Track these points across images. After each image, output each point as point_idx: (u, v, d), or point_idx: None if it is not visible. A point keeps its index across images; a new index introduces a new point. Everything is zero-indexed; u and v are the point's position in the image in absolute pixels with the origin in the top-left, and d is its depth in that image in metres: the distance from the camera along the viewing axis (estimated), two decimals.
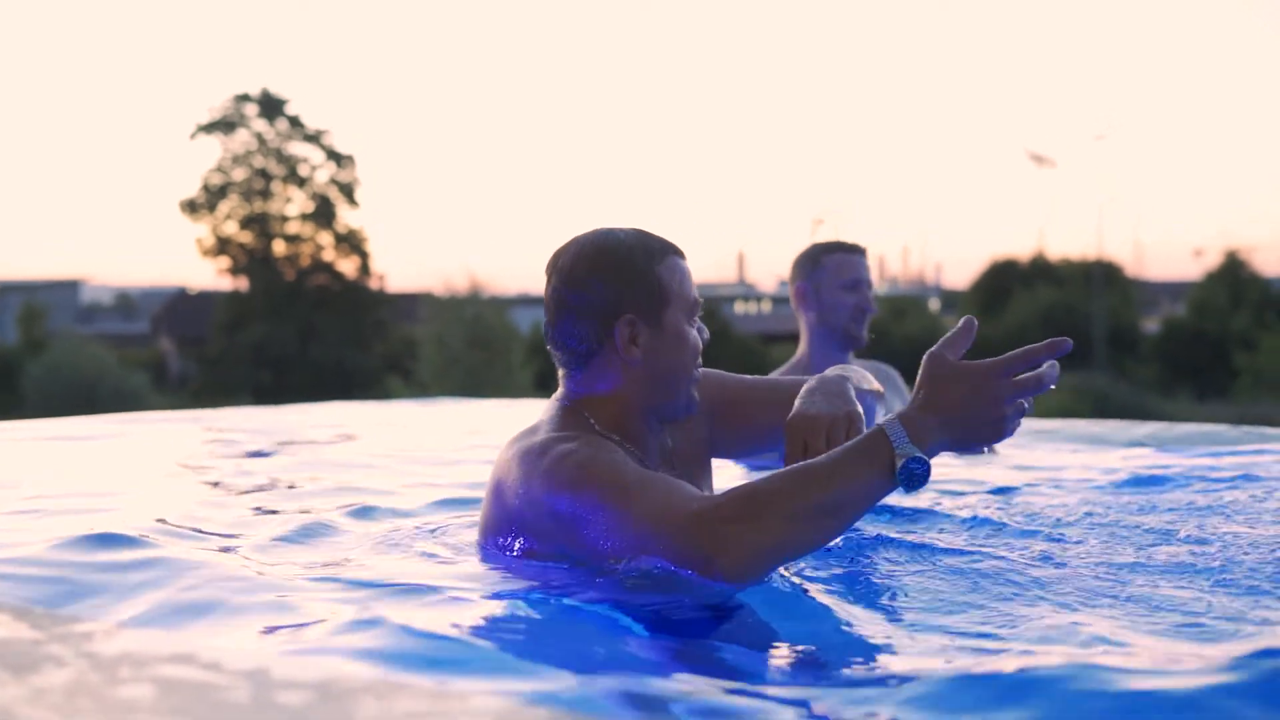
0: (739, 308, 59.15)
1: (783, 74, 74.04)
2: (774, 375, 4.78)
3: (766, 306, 60.14)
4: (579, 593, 2.42)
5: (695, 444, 2.95)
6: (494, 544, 2.69)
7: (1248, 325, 32.30)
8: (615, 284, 2.68)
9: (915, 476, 2.28)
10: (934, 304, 44.85)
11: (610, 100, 70.66)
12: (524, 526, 2.59)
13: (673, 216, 68.67)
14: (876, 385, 2.93)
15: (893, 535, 3.12)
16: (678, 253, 2.76)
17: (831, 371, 2.85)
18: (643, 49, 72.54)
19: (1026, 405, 2.34)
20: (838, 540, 2.71)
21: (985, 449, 2.38)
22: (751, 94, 73.97)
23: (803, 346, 5.01)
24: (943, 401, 2.31)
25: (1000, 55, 72.09)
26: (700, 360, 2.78)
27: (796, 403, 2.74)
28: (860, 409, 2.73)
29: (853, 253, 4.95)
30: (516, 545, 2.63)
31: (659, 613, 2.34)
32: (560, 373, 2.79)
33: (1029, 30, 70.47)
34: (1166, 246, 62.64)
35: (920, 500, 3.70)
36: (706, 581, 2.34)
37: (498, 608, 2.38)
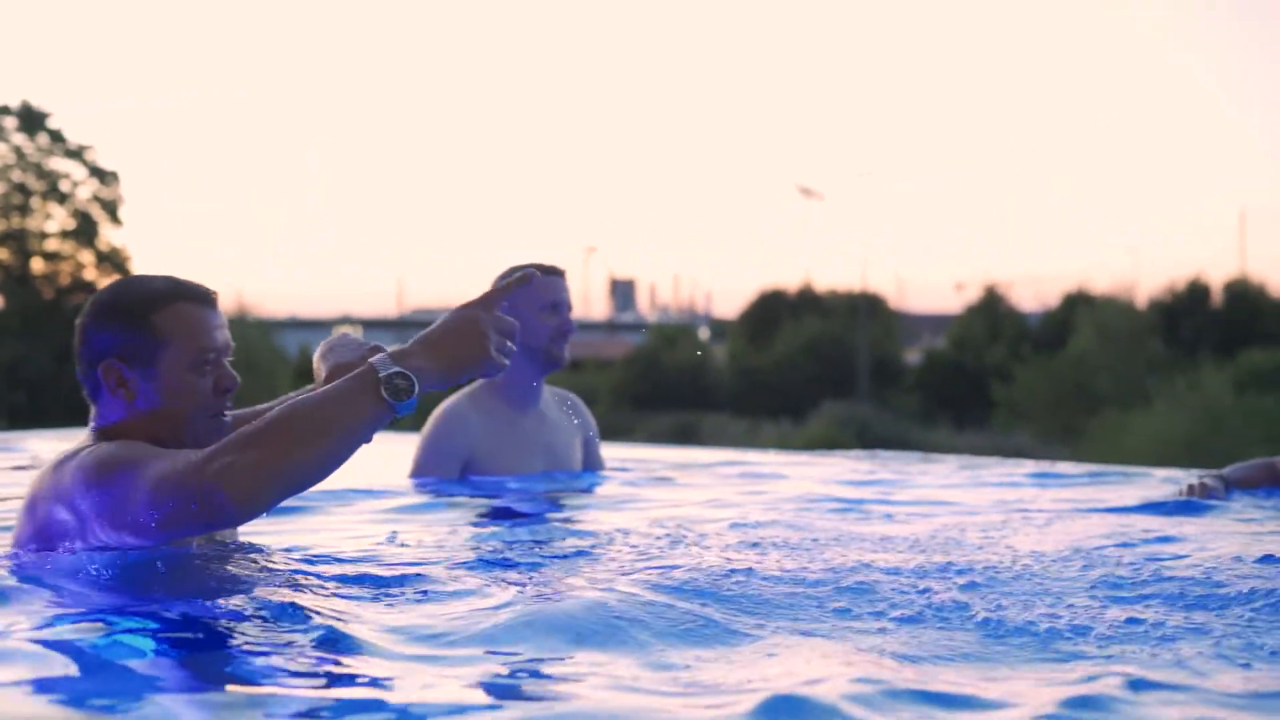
0: None
1: (551, 102, 74.54)
2: (464, 394, 4.83)
3: None
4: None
5: None
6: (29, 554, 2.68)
7: (1004, 358, 33.27)
8: (104, 332, 2.77)
9: (399, 390, 2.46)
10: (704, 333, 45.36)
11: (382, 123, 70.32)
12: (59, 530, 2.61)
13: (441, 245, 68.46)
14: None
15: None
16: (195, 299, 2.81)
17: (331, 339, 2.94)
18: (413, 73, 72.42)
19: (509, 344, 2.59)
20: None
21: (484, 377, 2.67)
22: (520, 121, 74.33)
23: None
24: (430, 334, 2.55)
25: (772, 89, 73.61)
26: (229, 401, 2.85)
27: (319, 365, 2.89)
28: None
29: (552, 274, 4.96)
30: (59, 548, 2.63)
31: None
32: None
33: (800, 66, 72.19)
34: (929, 280, 64.47)
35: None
36: (222, 520, 2.44)
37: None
